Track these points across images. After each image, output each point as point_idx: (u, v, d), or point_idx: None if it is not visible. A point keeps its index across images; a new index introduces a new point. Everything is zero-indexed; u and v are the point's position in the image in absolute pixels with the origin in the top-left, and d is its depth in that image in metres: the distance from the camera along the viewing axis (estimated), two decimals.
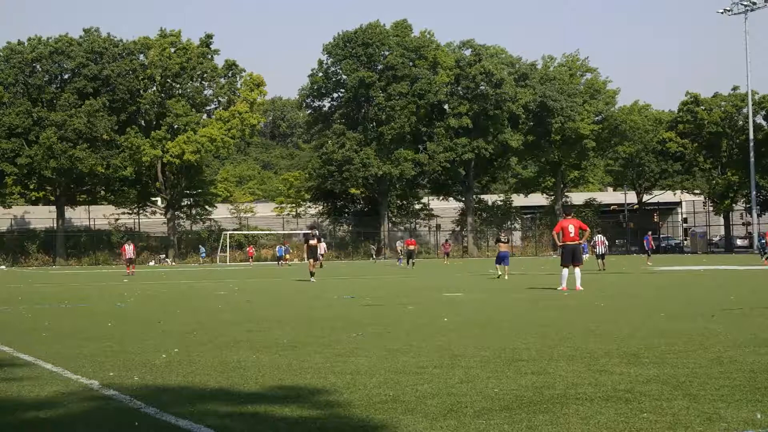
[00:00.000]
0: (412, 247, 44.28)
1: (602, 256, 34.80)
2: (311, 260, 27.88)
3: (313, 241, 28.06)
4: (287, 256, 58.23)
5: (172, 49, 65.96)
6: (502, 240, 27.33)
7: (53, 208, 66.35)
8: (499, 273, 26.05)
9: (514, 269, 32.92)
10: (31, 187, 64.52)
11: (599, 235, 37.09)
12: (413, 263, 42.58)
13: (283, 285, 25.08)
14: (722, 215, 77.89)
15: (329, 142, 69.41)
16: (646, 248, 43.84)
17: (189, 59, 65.37)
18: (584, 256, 34.78)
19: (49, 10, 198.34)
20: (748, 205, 74.47)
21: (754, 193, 71.07)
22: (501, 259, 26.17)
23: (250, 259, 62.88)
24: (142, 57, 66.19)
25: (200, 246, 67.22)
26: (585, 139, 72.99)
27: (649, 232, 50.74)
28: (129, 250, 37.90)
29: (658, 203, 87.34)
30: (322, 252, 43.91)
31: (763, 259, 38.41)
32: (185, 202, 70.40)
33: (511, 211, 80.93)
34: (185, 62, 65.10)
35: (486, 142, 69.98)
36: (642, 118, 77.31)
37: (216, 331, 10.39)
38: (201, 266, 54.78)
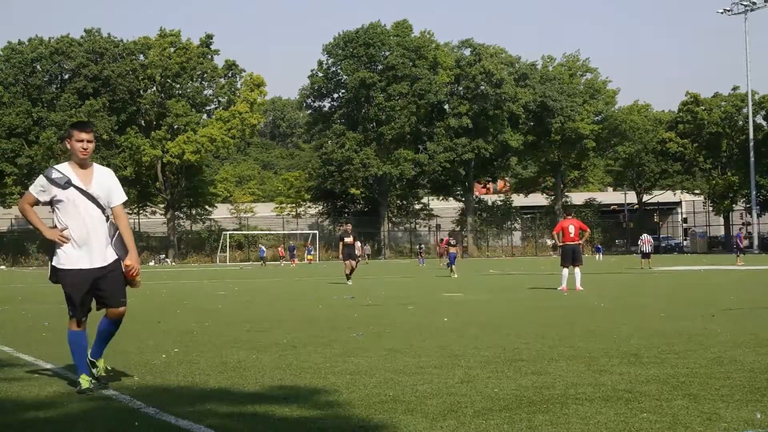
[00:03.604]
0: (445, 247, 44.02)
1: (648, 255, 34.97)
2: (349, 261, 24.38)
3: (348, 239, 24.76)
4: (309, 256, 58.06)
5: (172, 49, 65.99)
6: (452, 243, 31.26)
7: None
8: (455, 274, 28.62)
9: (515, 269, 34.52)
10: None
11: (645, 234, 37.05)
12: (448, 264, 41.76)
13: (284, 285, 25.08)
14: (722, 215, 77.91)
15: (329, 142, 69.44)
16: (740, 245, 41.22)
17: (189, 59, 65.40)
18: (647, 251, 34.51)
19: (50, 10, 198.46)
20: (748, 205, 74.48)
21: (754, 193, 71.06)
22: (453, 259, 29.62)
23: (281, 259, 58.47)
24: (142, 57, 66.23)
25: None
26: (585, 139, 73.05)
27: (740, 229, 49.17)
28: None
29: (658, 203, 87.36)
30: (359, 252, 42.32)
31: None
32: (185, 202, 70.40)
33: (511, 211, 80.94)
34: (185, 62, 65.13)
35: (486, 142, 70.00)
36: (642, 118, 77.35)
37: (216, 331, 10.39)
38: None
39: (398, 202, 76.22)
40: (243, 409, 5.29)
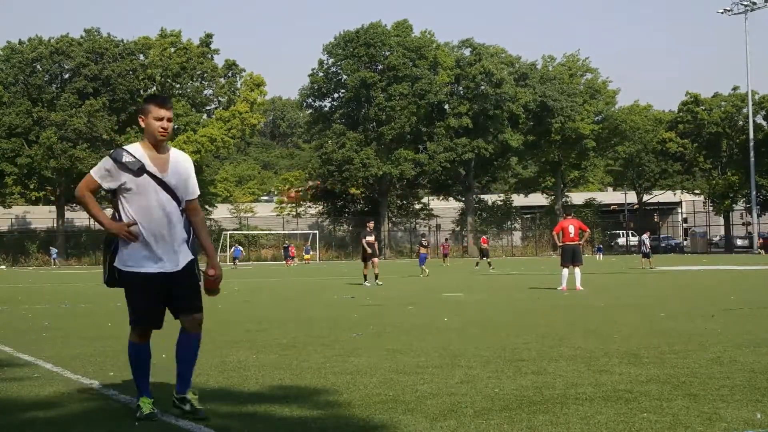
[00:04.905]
0: (485, 246, 43.87)
1: (648, 255, 35.02)
2: (374, 259, 23.57)
3: (370, 238, 24.01)
4: (307, 256, 57.97)
5: (172, 49, 66.00)
6: (423, 244, 33.55)
7: (53, 208, 66.36)
8: (426, 273, 30.05)
9: (515, 269, 35.07)
10: (31, 187, 64.53)
11: (644, 235, 37.07)
12: (489, 262, 40.98)
13: (283, 285, 25.08)
14: (722, 215, 77.89)
15: (329, 142, 69.40)
16: None
17: (189, 59, 65.40)
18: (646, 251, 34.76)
19: (50, 10, 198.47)
20: (748, 205, 74.45)
21: (754, 193, 71.02)
22: (422, 260, 31.18)
23: (296, 258, 57.56)
24: (142, 57, 66.25)
25: (50, 247, 62.29)
26: (585, 139, 73.02)
27: None
28: None
29: (658, 203, 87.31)
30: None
31: None
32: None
33: (511, 211, 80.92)
34: (185, 62, 65.14)
35: (486, 142, 69.92)
36: (642, 118, 77.31)
37: (216, 331, 10.39)
38: (52, 270, 50.83)
39: (398, 202, 76.20)
40: (243, 409, 5.29)
